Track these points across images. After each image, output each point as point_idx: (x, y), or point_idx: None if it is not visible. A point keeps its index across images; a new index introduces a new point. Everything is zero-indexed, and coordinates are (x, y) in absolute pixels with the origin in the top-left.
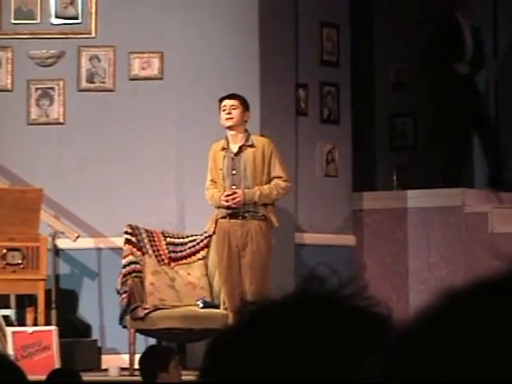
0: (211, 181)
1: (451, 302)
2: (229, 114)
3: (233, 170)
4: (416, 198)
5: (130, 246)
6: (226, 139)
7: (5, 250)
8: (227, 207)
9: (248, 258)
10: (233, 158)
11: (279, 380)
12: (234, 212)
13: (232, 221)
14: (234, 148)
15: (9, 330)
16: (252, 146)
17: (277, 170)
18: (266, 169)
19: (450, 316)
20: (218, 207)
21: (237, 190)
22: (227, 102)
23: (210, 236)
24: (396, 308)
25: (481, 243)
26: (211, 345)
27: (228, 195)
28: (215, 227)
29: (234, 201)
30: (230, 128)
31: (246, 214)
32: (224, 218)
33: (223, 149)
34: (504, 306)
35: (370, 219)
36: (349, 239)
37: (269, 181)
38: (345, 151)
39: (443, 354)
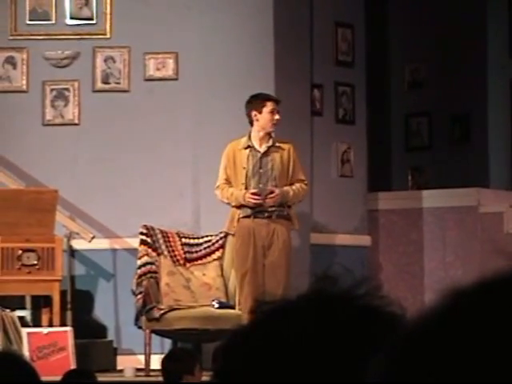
0: (226, 180)
1: (456, 301)
2: (278, 117)
3: (260, 168)
4: (431, 198)
5: (146, 247)
6: (249, 138)
7: (20, 251)
8: (251, 206)
9: (275, 257)
10: (261, 158)
11: (293, 380)
12: (260, 211)
13: (257, 220)
14: (262, 148)
15: (24, 330)
16: (279, 147)
17: (300, 173)
18: (291, 172)
19: (455, 314)
20: (239, 206)
21: (274, 189)
22: (275, 105)
23: (226, 236)
24: (411, 308)
25: (496, 243)
26: (225, 345)
27: (254, 193)
28: (236, 227)
29: (273, 199)
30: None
31: (272, 214)
32: (247, 217)
33: (247, 147)
34: (509, 304)
35: (386, 219)
36: (364, 239)
37: (290, 183)
38: (360, 151)
39: (447, 352)
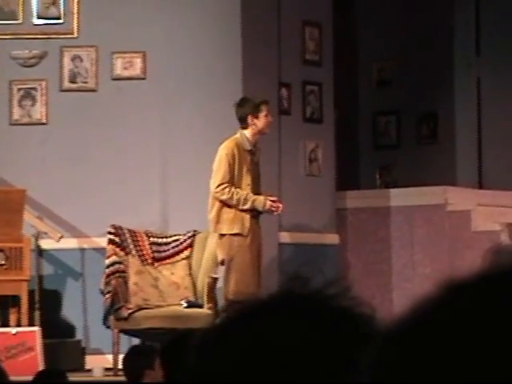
0: (230, 179)
1: (452, 295)
2: (271, 119)
3: (257, 173)
4: (399, 197)
5: (114, 246)
6: (248, 140)
7: None
8: (268, 212)
9: (261, 257)
10: (256, 162)
11: (263, 379)
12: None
13: (255, 220)
14: (257, 152)
15: None
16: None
17: None
18: None
19: (452, 309)
20: (249, 210)
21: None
22: (269, 107)
23: (194, 235)
24: (380, 306)
25: (464, 241)
26: (196, 343)
27: (274, 201)
28: (248, 227)
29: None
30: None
31: (259, 217)
32: (250, 217)
33: (250, 151)
34: (506, 298)
35: (354, 218)
36: (332, 238)
37: None
38: (328, 150)
39: (446, 347)
